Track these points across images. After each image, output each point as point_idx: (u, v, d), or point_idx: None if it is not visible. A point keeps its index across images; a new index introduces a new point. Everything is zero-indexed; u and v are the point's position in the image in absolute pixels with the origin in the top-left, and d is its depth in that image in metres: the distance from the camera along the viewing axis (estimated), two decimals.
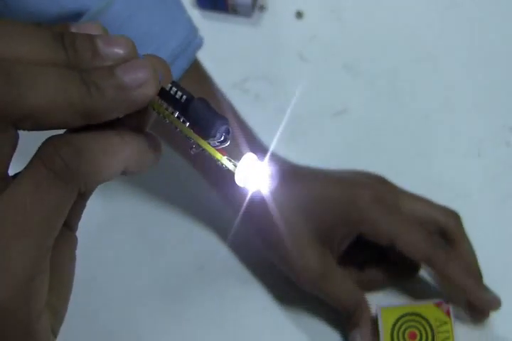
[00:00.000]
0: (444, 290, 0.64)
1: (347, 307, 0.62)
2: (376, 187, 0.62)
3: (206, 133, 0.32)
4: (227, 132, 0.32)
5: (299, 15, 0.82)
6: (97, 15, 0.55)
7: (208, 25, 0.82)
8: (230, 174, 0.32)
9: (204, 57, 0.64)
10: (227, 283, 0.67)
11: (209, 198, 0.67)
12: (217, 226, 0.69)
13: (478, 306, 0.62)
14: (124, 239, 0.70)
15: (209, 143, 0.32)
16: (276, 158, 0.65)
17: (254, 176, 0.31)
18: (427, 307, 0.62)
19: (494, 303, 0.61)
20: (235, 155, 0.33)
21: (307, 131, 0.75)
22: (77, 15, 0.55)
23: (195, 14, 0.83)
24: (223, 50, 0.79)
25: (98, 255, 0.69)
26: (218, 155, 0.32)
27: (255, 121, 0.73)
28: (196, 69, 0.63)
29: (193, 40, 0.61)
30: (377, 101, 0.77)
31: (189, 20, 0.62)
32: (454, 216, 0.62)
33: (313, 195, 0.62)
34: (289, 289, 0.66)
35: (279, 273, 0.66)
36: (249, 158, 0.32)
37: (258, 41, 0.81)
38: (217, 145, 0.32)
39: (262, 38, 0.81)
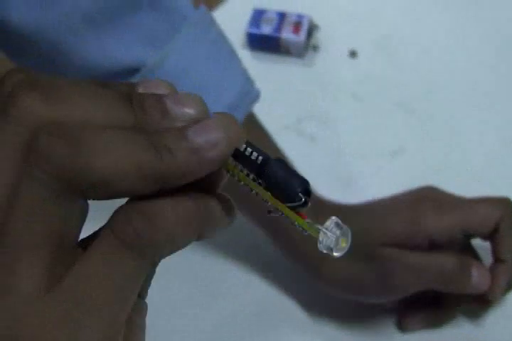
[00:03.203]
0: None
1: (454, 272, 0.60)
2: (431, 196, 0.62)
3: (286, 197, 0.30)
4: (308, 194, 0.30)
5: (353, 54, 0.81)
6: (153, 69, 0.54)
7: (259, 66, 0.81)
8: (310, 238, 0.30)
9: None
10: None
11: None
12: None
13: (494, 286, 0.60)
14: None
15: (288, 207, 0.30)
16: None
17: (338, 241, 0.29)
18: None
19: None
20: (310, 216, 0.31)
21: (364, 171, 0.73)
22: (133, 70, 0.54)
23: (247, 55, 0.82)
24: (276, 91, 0.78)
25: None
26: (300, 220, 0.30)
27: (312, 162, 0.72)
28: (252, 122, 0.62)
29: (249, 92, 0.60)
30: (434, 140, 0.75)
31: (245, 72, 0.61)
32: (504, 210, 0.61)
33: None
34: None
35: None
36: (333, 221, 0.30)
37: (311, 81, 0.80)
38: (297, 209, 0.30)
39: (315, 78, 0.80)
